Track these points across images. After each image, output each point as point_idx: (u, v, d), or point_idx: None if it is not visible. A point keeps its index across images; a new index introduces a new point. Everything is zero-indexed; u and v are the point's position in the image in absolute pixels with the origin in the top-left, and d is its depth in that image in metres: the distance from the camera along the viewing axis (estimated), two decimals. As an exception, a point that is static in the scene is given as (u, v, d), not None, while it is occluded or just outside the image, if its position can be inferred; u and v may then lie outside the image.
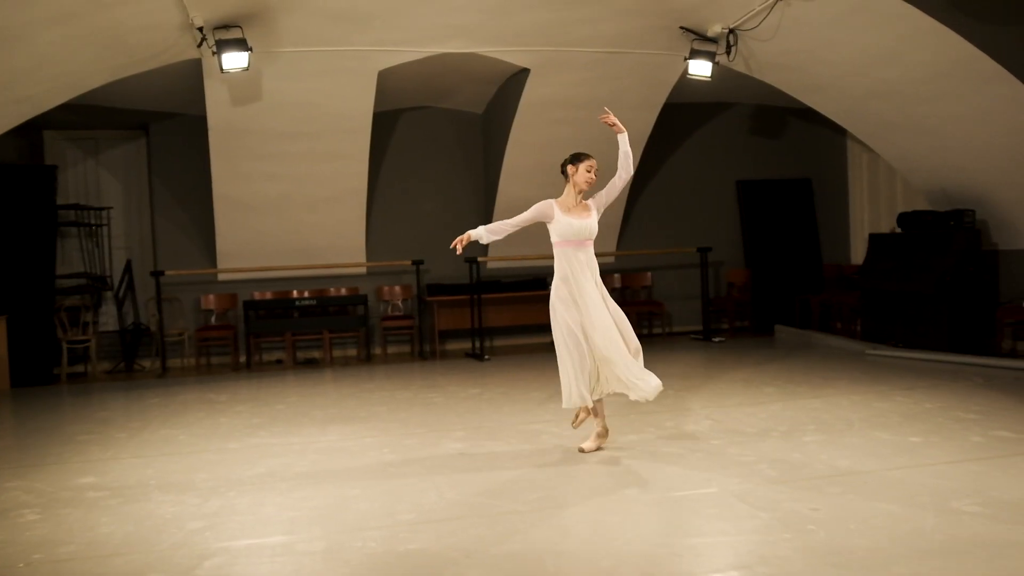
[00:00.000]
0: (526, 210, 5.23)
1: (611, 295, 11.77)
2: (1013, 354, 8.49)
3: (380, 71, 8.70)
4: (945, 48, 7.23)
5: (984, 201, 8.91)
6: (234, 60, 7.55)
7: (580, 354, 5.03)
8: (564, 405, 5.15)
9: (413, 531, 3.80)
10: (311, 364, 10.06)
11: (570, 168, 5.24)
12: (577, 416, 5.21)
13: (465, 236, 5.19)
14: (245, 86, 8.48)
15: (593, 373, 5.12)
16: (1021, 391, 6.53)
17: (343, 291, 10.58)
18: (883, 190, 10.98)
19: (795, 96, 9.39)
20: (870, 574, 3.15)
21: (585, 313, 5.07)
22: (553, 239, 5.22)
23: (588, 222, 5.20)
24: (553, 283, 5.20)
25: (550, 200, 5.25)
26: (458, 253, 5.33)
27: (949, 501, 3.94)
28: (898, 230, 9.65)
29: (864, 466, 4.60)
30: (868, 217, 11.24)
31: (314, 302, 10.28)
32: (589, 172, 5.20)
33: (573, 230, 5.17)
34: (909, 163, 9.45)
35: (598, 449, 5.16)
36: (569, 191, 5.27)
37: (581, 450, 5.13)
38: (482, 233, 5.19)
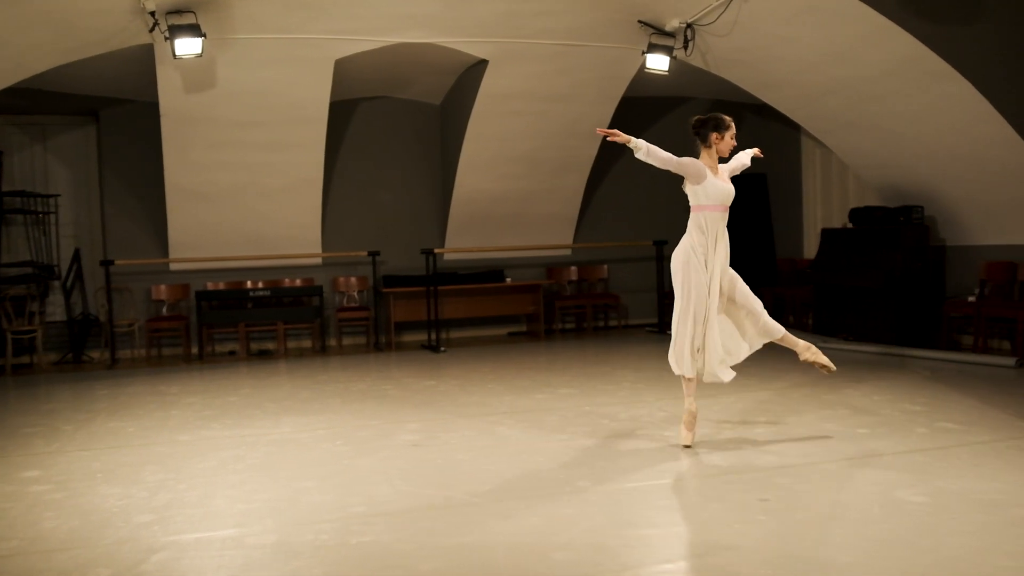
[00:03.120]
0: (678, 157, 4.97)
1: (567, 287, 11.87)
2: (958, 347, 8.69)
3: (337, 60, 8.62)
4: (896, 47, 7.35)
5: (932, 197, 9.09)
6: (187, 46, 7.42)
7: (698, 321, 4.92)
8: (676, 370, 5.00)
9: (365, 523, 3.78)
10: (265, 355, 9.96)
11: (714, 135, 5.04)
12: (688, 431, 4.99)
13: (620, 134, 4.92)
14: (198, 73, 8.34)
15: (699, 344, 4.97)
16: (965, 383, 6.69)
17: (298, 282, 10.48)
18: (835, 186, 11.15)
19: (751, 92, 9.49)
20: (817, 563, 3.20)
21: (712, 278, 4.97)
22: (696, 202, 5.02)
23: (731, 187, 5.12)
24: (684, 244, 5.04)
25: (698, 161, 5.04)
26: (602, 134, 5.05)
27: (895, 491, 4.01)
28: (850, 225, 9.81)
29: (813, 457, 4.68)
30: (821, 212, 11.41)
31: (268, 293, 10.16)
32: (733, 139, 5.11)
33: (722, 194, 5.05)
34: (861, 159, 9.60)
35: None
36: (706, 157, 5.09)
37: (687, 447, 4.93)
38: (642, 145, 4.92)
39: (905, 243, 8.92)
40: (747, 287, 5.15)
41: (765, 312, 5.15)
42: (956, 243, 9.22)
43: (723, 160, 5.19)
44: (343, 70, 8.91)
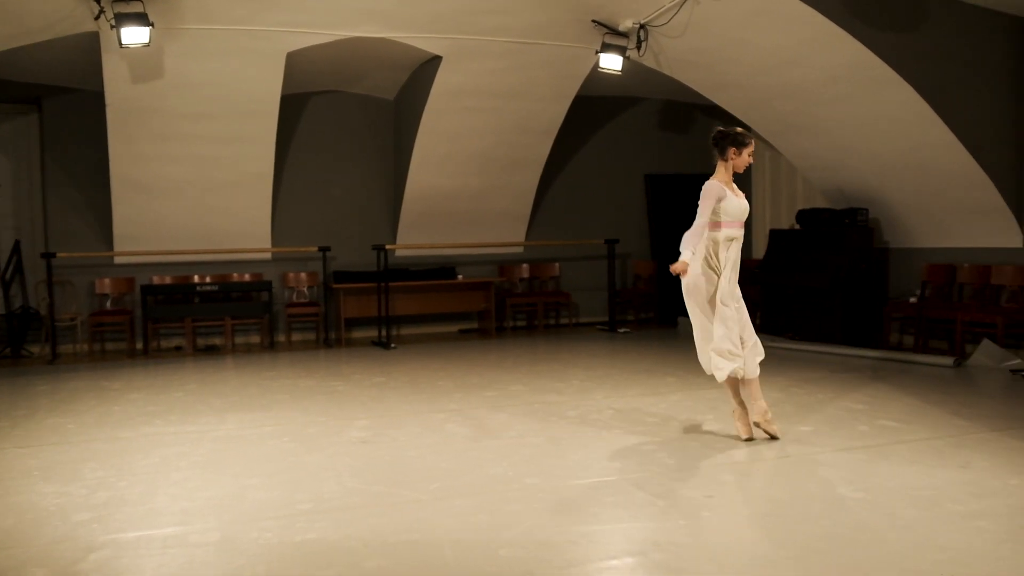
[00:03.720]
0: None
1: (518, 285, 11.85)
2: (900, 347, 8.89)
3: (289, 53, 8.52)
4: (844, 52, 7.48)
5: (877, 201, 9.28)
6: (134, 35, 7.27)
7: (731, 323, 4.96)
8: (720, 377, 5.00)
9: (311, 520, 3.75)
10: (212, 351, 9.81)
11: (732, 151, 5.01)
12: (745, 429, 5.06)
13: (682, 265, 4.89)
14: (146, 63, 8.18)
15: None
16: (906, 382, 6.84)
17: (247, 277, 10.33)
18: (784, 187, 11.32)
19: (703, 93, 9.59)
20: (759, 559, 3.25)
21: (722, 279, 4.98)
22: (714, 219, 4.98)
23: (746, 203, 5.10)
24: (703, 260, 5.00)
25: (715, 181, 4.99)
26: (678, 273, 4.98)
27: (836, 488, 4.10)
28: (797, 226, 9.97)
29: (758, 454, 4.75)
30: (770, 213, 11.57)
31: (216, 288, 10.01)
32: (750, 157, 5.09)
33: (740, 211, 5.03)
34: (808, 162, 9.76)
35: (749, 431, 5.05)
36: (723, 171, 5.06)
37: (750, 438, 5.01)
38: (688, 257, 4.90)
39: (850, 245, 9.10)
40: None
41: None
42: (899, 245, 9.43)
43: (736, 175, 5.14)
44: (295, 63, 8.81)
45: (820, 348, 8.61)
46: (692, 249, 4.88)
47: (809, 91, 8.40)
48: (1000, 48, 7.81)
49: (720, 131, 5.10)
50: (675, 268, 4.88)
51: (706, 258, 4.97)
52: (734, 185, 5.08)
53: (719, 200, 4.92)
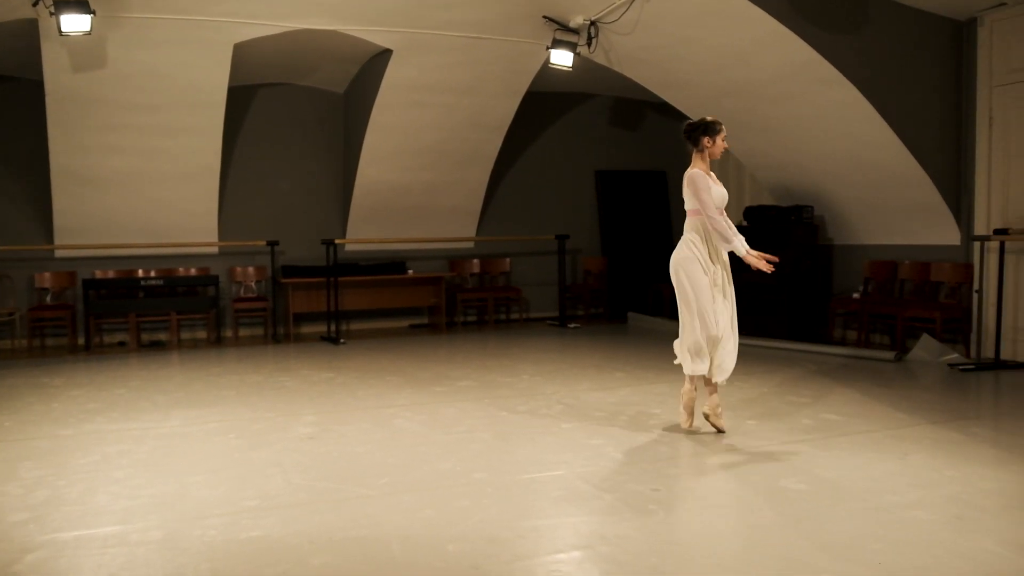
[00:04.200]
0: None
1: (469, 280, 11.85)
2: (843, 342, 9.07)
3: (236, 44, 8.39)
4: (790, 52, 7.60)
5: (822, 198, 9.45)
6: (74, 23, 7.09)
7: (710, 320, 4.96)
8: (687, 371, 5.05)
9: (256, 518, 3.70)
10: (157, 347, 9.64)
11: (706, 140, 5.04)
12: (690, 418, 5.17)
13: (759, 258, 4.92)
14: (87, 51, 8.00)
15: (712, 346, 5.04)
16: (849, 377, 6.99)
17: (193, 271, 10.18)
18: (732, 184, 11.44)
19: (652, 91, 9.66)
20: (702, 551, 3.30)
21: (715, 281, 4.99)
22: (693, 206, 5.02)
23: (725, 191, 5.13)
24: (688, 244, 5.03)
25: (696, 170, 5.02)
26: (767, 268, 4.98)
27: (779, 480, 4.17)
28: (744, 223, 10.10)
29: (703, 448, 4.81)
30: (717, 210, 11.70)
31: (161, 282, 9.82)
32: (724, 142, 5.10)
33: (719, 198, 5.03)
34: (756, 160, 9.90)
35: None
36: (700, 161, 5.08)
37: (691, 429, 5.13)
38: (742, 241, 4.95)
39: (796, 242, 9.26)
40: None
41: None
42: (843, 242, 9.62)
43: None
44: (243, 55, 8.68)
45: (766, 343, 8.75)
46: (733, 233, 4.94)
47: (756, 90, 8.52)
48: (938, 50, 8.00)
49: (690, 124, 5.15)
50: (760, 260, 4.89)
51: (693, 246, 5.01)
52: (712, 174, 5.13)
53: (705, 188, 4.97)
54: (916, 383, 6.85)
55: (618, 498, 3.92)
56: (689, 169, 5.06)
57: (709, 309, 4.98)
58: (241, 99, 10.11)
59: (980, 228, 7.92)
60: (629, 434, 5.14)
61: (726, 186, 11.76)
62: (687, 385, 5.19)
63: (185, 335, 10.17)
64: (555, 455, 4.69)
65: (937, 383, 6.84)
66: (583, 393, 6.44)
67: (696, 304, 4.99)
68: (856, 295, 9.08)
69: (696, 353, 5.03)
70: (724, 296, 5.07)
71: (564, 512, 3.79)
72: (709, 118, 5.11)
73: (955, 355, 7.72)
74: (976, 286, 8.00)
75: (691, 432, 5.10)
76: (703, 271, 4.99)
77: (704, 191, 4.95)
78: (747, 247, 4.96)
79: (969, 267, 8.09)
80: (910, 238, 8.76)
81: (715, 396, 5.12)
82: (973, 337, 8.05)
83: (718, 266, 5.05)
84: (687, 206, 5.10)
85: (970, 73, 7.99)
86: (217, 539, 3.46)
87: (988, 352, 7.73)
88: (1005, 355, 7.60)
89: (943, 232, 8.35)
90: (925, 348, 7.84)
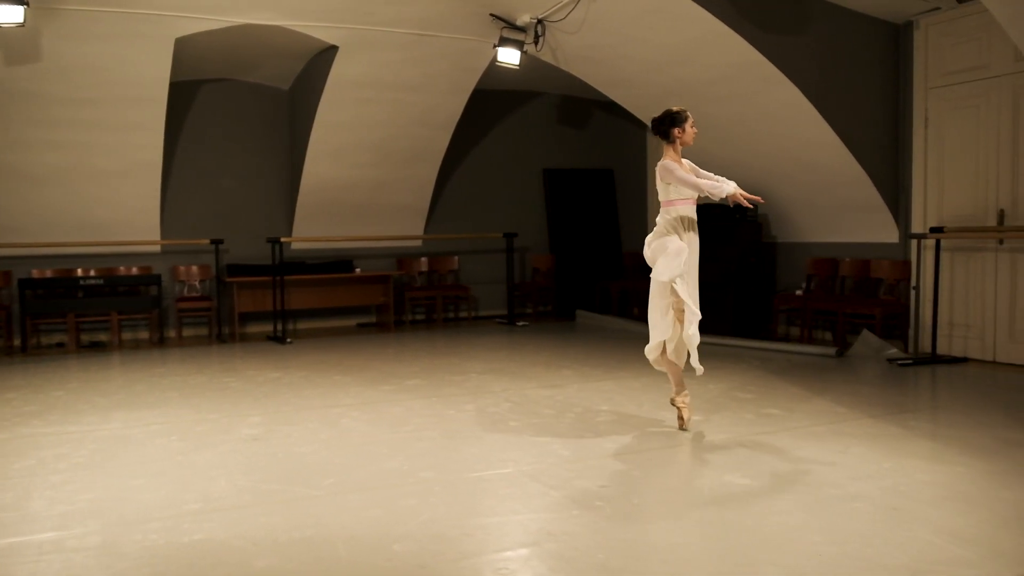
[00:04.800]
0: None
1: (417, 279, 11.79)
2: (787, 338, 9.23)
3: (177, 38, 8.22)
4: (733, 52, 7.70)
5: (765, 197, 9.50)
6: (6, 14, 6.87)
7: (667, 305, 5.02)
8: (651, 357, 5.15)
9: (199, 521, 3.64)
10: (97, 348, 9.42)
11: (676, 131, 5.05)
12: (683, 416, 5.17)
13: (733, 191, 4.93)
14: (21, 44, 7.77)
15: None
16: (791, 372, 7.11)
17: (134, 270, 9.97)
18: (678, 183, 11.57)
19: (599, 89, 9.72)
20: (648, 545, 3.33)
21: (687, 267, 5.01)
22: (667, 197, 5.03)
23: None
24: (664, 234, 5.04)
25: (668, 161, 5.03)
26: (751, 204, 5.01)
27: (723, 475, 4.23)
28: (690, 221, 10.22)
29: (650, 444, 4.86)
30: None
31: (101, 281, 9.59)
32: (693, 128, 5.11)
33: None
34: (702, 159, 9.83)
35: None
36: (672, 152, 5.09)
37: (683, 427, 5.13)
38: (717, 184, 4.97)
39: (740, 239, 9.40)
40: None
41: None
42: (786, 240, 9.79)
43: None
44: (185, 49, 8.52)
45: (712, 340, 8.85)
46: (721, 180, 4.99)
47: (701, 89, 8.62)
48: (877, 52, 8.18)
49: (656, 119, 5.16)
50: (740, 196, 4.91)
51: (668, 231, 5.04)
52: (685, 162, 5.15)
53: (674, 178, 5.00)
54: (856, 378, 6.99)
55: (565, 495, 3.93)
56: (661, 160, 5.07)
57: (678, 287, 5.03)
58: (183, 95, 9.93)
59: (917, 226, 8.12)
60: (577, 431, 5.17)
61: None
62: (673, 387, 5.21)
63: (126, 335, 9.95)
64: (503, 453, 4.70)
65: (877, 378, 6.99)
66: (531, 391, 6.46)
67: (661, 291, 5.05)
68: (799, 292, 9.25)
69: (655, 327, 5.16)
70: (691, 277, 5.12)
71: (511, 509, 3.80)
72: (674, 108, 5.13)
73: (894, 350, 7.92)
74: (913, 283, 8.20)
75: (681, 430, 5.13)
76: (680, 255, 5.00)
77: (674, 171, 4.96)
78: (735, 185, 4.97)
79: (907, 264, 8.29)
80: (851, 236, 8.95)
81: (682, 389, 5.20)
82: (911, 333, 8.25)
83: (694, 247, 5.11)
84: (661, 197, 5.11)
85: (907, 75, 8.19)
86: (158, 543, 3.40)
87: (925, 347, 7.93)
88: (941, 350, 7.81)
89: (882, 230, 8.54)
90: (865, 344, 8.02)
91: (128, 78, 8.46)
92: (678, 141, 5.10)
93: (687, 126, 5.09)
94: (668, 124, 5.09)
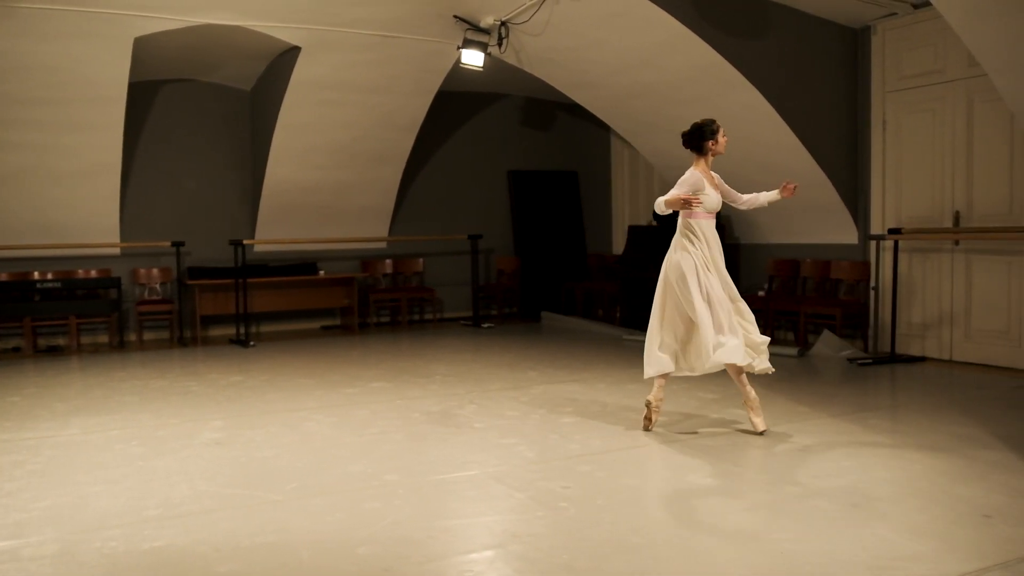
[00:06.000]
0: (675, 186, 4.95)
1: (382, 281, 11.76)
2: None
3: (137, 38, 8.10)
4: (695, 55, 7.77)
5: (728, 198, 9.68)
6: (-39, 13, 6.75)
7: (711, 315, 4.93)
8: (708, 368, 4.94)
9: (159, 527, 3.59)
10: (55, 352, 9.26)
11: (710, 143, 5.02)
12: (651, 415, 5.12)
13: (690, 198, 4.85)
14: (-25, 43, 7.62)
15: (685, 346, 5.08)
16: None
17: (93, 273, 9.80)
18: (642, 184, 11.66)
19: (563, 91, 9.75)
20: (612, 545, 3.34)
21: (712, 283, 4.98)
22: (687, 210, 4.99)
23: (719, 196, 5.10)
24: (682, 247, 5.02)
25: (697, 172, 5.00)
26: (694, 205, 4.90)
27: (686, 475, 4.26)
28: (654, 223, 10.29)
29: (614, 445, 4.88)
30: (628, 209, 11.91)
31: (59, 284, 9.40)
32: (725, 137, 5.08)
33: (714, 203, 5.03)
34: (664, 160, 10.08)
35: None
36: (703, 164, 5.06)
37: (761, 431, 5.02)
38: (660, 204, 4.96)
39: (703, 241, 9.45)
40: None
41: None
42: (748, 241, 9.89)
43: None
44: (144, 49, 8.40)
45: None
46: (663, 201, 4.96)
47: (663, 91, 8.68)
48: (835, 56, 8.30)
49: (688, 134, 5.10)
50: (684, 198, 4.84)
51: (688, 250, 5.02)
52: (713, 176, 5.13)
53: (699, 192, 4.97)
54: (817, 377, 7.09)
55: (530, 496, 3.94)
56: (691, 170, 5.04)
57: (720, 308, 5.00)
58: (144, 95, 9.80)
59: (876, 228, 8.25)
60: (541, 432, 5.18)
61: (636, 186, 11.99)
62: (742, 391, 5.10)
63: (85, 339, 9.79)
64: (467, 455, 4.69)
65: (837, 377, 7.09)
66: (496, 393, 6.46)
67: (701, 302, 4.97)
68: (761, 292, 9.34)
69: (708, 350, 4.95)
70: (725, 283, 5.11)
71: (476, 512, 3.79)
72: (703, 120, 5.09)
73: (854, 350, 8.03)
74: (872, 283, 8.33)
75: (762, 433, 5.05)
76: (703, 272, 5.00)
77: (684, 186, 4.93)
78: (667, 197, 4.93)
79: (866, 265, 8.41)
80: (811, 237, 9.06)
81: (662, 391, 5.15)
82: (870, 332, 8.37)
83: (718, 263, 5.09)
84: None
85: (865, 79, 8.32)
86: (118, 550, 3.35)
87: (884, 346, 8.06)
88: (900, 349, 7.94)
89: (842, 231, 8.66)
90: (826, 343, 8.13)
91: (86, 78, 8.32)
92: (710, 154, 5.09)
93: (720, 136, 5.07)
94: (700, 138, 5.05)
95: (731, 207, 5.44)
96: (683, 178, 5.00)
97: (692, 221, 5.04)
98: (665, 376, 5.15)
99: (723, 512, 3.73)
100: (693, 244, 5.04)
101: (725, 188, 5.24)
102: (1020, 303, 7.19)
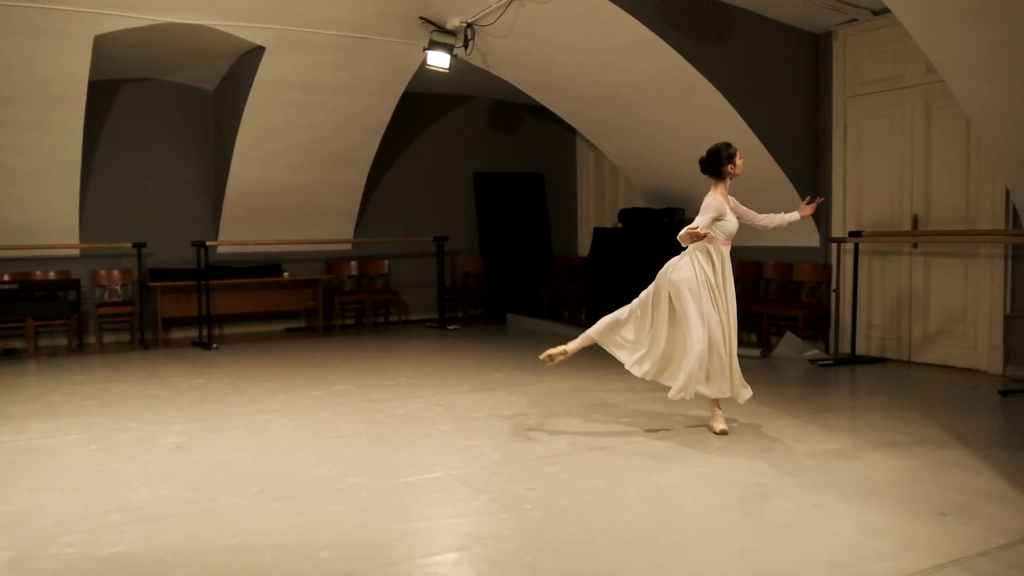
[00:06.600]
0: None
1: (347, 282, 11.69)
2: (713, 340, 9.39)
3: (97, 36, 7.98)
4: (659, 58, 7.82)
5: (692, 201, 9.75)
6: (-86, 9, 6.61)
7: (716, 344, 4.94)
8: (716, 395, 5.03)
9: (118, 533, 3.54)
10: (12, 355, 9.08)
11: (728, 167, 5.01)
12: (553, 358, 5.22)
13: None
14: (-71, 40, 7.46)
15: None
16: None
17: (51, 274, 9.63)
18: (607, 187, 11.72)
19: (529, 94, 9.76)
20: (577, 546, 3.35)
21: (728, 303, 4.99)
22: (714, 232, 4.98)
23: (736, 222, 5.09)
24: (699, 264, 4.97)
25: (719, 196, 4.97)
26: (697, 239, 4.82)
27: (650, 475, 4.28)
28: (619, 225, 10.34)
29: (579, 446, 4.89)
30: (594, 212, 11.96)
31: (16, 286, 9.24)
32: (741, 158, 5.08)
33: (733, 228, 5.03)
34: (629, 163, 10.15)
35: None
36: (722, 188, 5.04)
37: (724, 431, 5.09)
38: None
39: (669, 242, 9.49)
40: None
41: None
42: (712, 244, 9.95)
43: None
44: (105, 47, 8.28)
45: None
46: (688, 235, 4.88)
47: (628, 94, 8.73)
48: (797, 60, 8.40)
49: (707, 160, 5.08)
50: (691, 233, 4.75)
51: (701, 270, 4.99)
52: (731, 199, 5.13)
53: (718, 217, 4.96)
54: (780, 378, 7.17)
55: (494, 498, 3.94)
56: (708, 195, 5.02)
57: (719, 332, 5.00)
58: (105, 94, 9.66)
59: (837, 230, 8.36)
60: (506, 434, 5.18)
61: (601, 188, 12.05)
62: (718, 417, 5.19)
63: (43, 342, 9.62)
64: (432, 457, 4.68)
65: (799, 378, 7.18)
66: (461, 395, 6.45)
67: (711, 328, 4.95)
68: (725, 294, 9.41)
69: (718, 375, 5.00)
70: (733, 314, 5.09)
71: (440, 514, 3.79)
72: (718, 145, 5.07)
73: (816, 351, 8.14)
74: (834, 285, 8.44)
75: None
76: (710, 293, 4.98)
77: (709, 212, 4.90)
78: (688, 228, 4.82)
79: (827, 267, 8.52)
80: (774, 239, 9.10)
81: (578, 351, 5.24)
82: (832, 334, 8.48)
83: (729, 290, 5.07)
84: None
85: (826, 84, 8.43)
86: (75, 556, 3.30)
87: (845, 348, 8.16)
88: (860, 350, 8.05)
89: (804, 234, 8.76)
90: (788, 345, 8.22)
91: (45, 76, 8.18)
92: (728, 178, 5.08)
93: (737, 158, 5.07)
94: (719, 163, 5.04)
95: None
96: (706, 204, 4.98)
97: (711, 247, 5.03)
98: (610, 350, 5.28)
99: (686, 513, 3.76)
100: (706, 267, 5.01)
101: (742, 210, 5.24)
102: (976, 305, 7.33)
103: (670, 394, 5.00)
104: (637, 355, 5.23)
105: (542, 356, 5.27)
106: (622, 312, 5.30)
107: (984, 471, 4.28)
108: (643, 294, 5.28)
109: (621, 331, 5.27)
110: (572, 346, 5.26)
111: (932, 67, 6.73)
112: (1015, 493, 3.93)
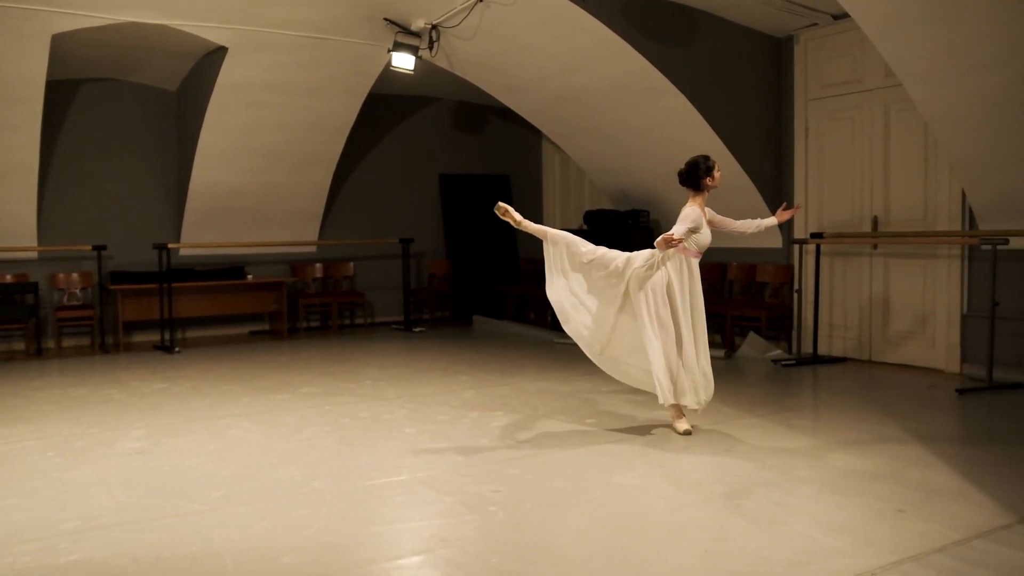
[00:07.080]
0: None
1: (312, 285, 11.61)
2: (678, 341, 9.46)
3: (54, 35, 7.85)
4: (624, 61, 7.87)
5: (657, 203, 9.83)
6: None
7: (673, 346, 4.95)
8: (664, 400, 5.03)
9: (76, 540, 3.48)
10: (-33, 360, 8.92)
11: (708, 180, 5.02)
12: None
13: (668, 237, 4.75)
14: None
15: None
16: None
17: (8, 278, 9.46)
18: (573, 189, 11.76)
19: (494, 95, 9.77)
20: (541, 547, 3.36)
21: (685, 322, 5.00)
22: (688, 245, 4.99)
23: (710, 235, 5.10)
24: (674, 269, 5.00)
25: (696, 208, 4.98)
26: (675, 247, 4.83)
27: (613, 476, 4.30)
28: (584, 227, 10.37)
29: (543, 448, 4.90)
30: (560, 213, 11.99)
31: (-28, 290, 9.09)
32: (719, 171, 5.10)
33: (707, 241, 5.04)
34: (594, 165, 10.19)
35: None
36: (700, 200, 5.04)
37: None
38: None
39: (633, 244, 9.53)
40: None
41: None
42: (676, 245, 10.02)
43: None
44: (63, 47, 8.15)
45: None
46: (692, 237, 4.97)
47: (593, 97, 8.77)
48: (760, 64, 8.50)
49: (685, 172, 5.11)
50: (664, 238, 4.76)
51: (667, 268, 5.03)
52: (709, 211, 5.14)
53: (695, 230, 4.98)
54: (743, 379, 7.23)
55: (459, 500, 3.93)
56: (686, 206, 5.04)
57: (686, 335, 5.06)
58: (63, 94, 9.51)
59: (799, 232, 8.46)
60: (472, 437, 5.18)
61: (567, 190, 12.07)
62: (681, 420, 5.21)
63: (0, 347, 9.44)
64: (397, 460, 4.67)
65: (762, 379, 7.25)
66: (427, 397, 6.43)
67: (669, 333, 5.01)
68: (689, 296, 9.48)
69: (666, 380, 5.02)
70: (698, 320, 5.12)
71: (405, 517, 3.77)
72: (696, 158, 5.10)
73: (779, 351, 8.22)
74: (796, 286, 8.54)
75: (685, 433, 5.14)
76: (676, 298, 5.02)
77: (686, 222, 4.92)
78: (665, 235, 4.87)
79: (790, 268, 8.62)
80: (738, 241, 9.21)
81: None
82: (794, 334, 8.58)
83: (697, 296, 5.10)
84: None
85: (788, 87, 8.53)
86: (30, 565, 3.24)
87: (807, 348, 8.26)
88: (822, 350, 8.15)
89: (767, 236, 8.82)
90: (752, 345, 8.30)
91: (1, 76, 8.03)
92: (706, 190, 5.11)
93: (715, 171, 5.11)
94: (698, 176, 5.07)
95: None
96: (684, 214, 4.99)
97: (682, 257, 5.06)
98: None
99: (649, 513, 3.78)
100: (674, 275, 5.04)
101: (718, 219, 5.26)
102: (934, 305, 7.46)
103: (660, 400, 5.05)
104: (585, 320, 5.34)
105: (500, 204, 5.42)
106: (585, 244, 5.40)
107: (941, 468, 4.36)
108: (608, 257, 5.24)
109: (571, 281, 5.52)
110: (526, 223, 5.41)
111: (891, 71, 6.84)
112: (971, 490, 4.00)
